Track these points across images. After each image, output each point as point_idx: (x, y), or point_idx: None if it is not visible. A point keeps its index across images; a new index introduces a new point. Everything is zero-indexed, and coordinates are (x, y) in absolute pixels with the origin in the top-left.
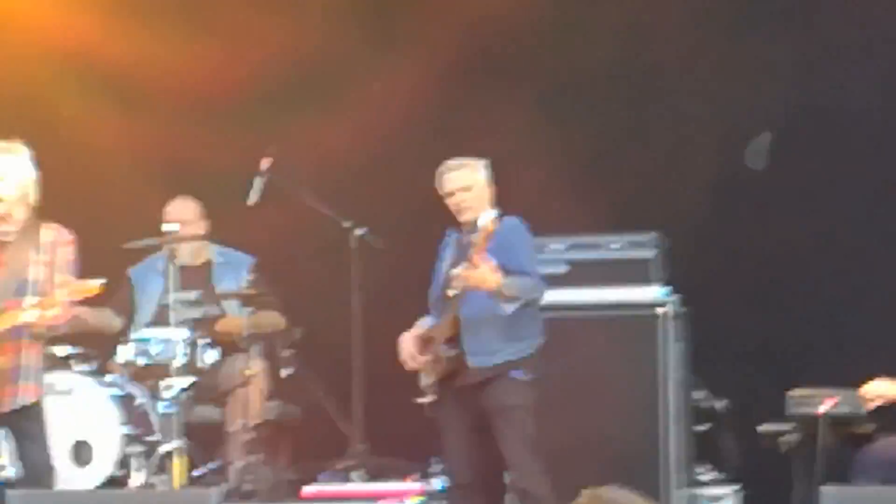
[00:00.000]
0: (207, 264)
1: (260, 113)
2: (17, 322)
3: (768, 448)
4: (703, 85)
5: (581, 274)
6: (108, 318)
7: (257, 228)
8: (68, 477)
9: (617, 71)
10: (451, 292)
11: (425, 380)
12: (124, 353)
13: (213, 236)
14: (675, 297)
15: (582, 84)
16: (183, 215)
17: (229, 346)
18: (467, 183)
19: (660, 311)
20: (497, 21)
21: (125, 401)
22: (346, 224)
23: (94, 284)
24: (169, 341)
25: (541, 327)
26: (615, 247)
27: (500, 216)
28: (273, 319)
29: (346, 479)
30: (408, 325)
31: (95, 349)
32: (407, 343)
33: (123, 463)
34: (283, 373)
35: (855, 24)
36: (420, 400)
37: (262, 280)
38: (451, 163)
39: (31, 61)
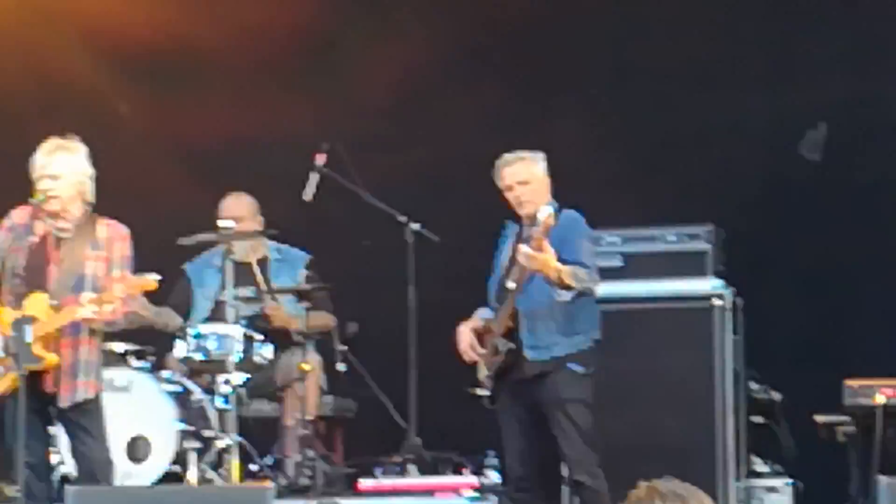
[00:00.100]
0: (264, 260)
1: (313, 106)
2: (74, 318)
3: (824, 439)
4: (760, 76)
5: (637, 267)
6: (167, 316)
7: (313, 224)
8: (125, 472)
9: (673, 64)
10: (509, 285)
11: (482, 372)
12: (181, 349)
13: (269, 232)
14: (730, 290)
15: (638, 77)
16: (238, 211)
17: (285, 340)
18: (525, 177)
19: (715, 303)
20: (555, 15)
21: (182, 397)
22: (402, 218)
23: (151, 279)
24: (225, 337)
25: (598, 321)
26: (671, 239)
27: (560, 209)
28: (323, 321)
29: (402, 473)
30: (462, 320)
31: (152, 346)
32: (465, 334)
33: (180, 458)
34: (339, 367)
35: None
36: (476, 392)
37: (318, 277)
38: (509, 156)
39: (87, 57)
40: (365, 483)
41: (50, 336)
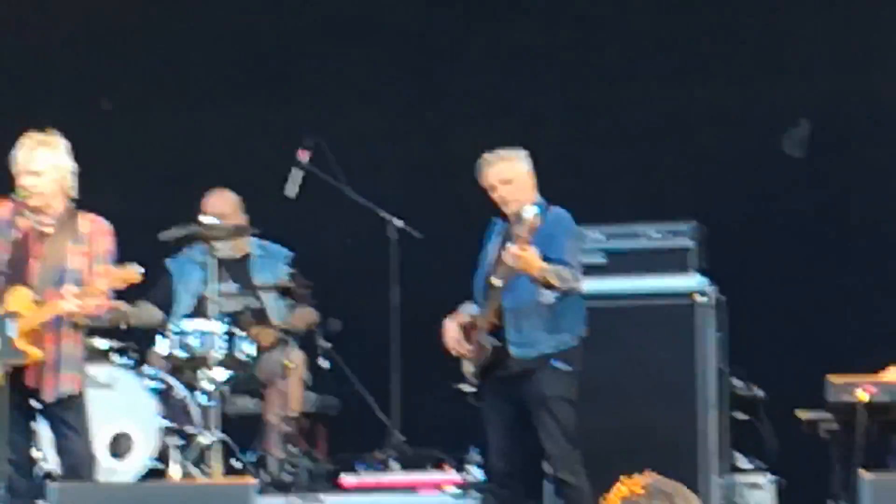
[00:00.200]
0: (246, 257)
1: (297, 103)
2: (58, 312)
3: (807, 436)
4: (743, 73)
5: (619, 263)
6: (148, 312)
7: (296, 220)
8: (108, 469)
9: (656, 60)
10: (494, 281)
11: (467, 367)
12: (164, 345)
13: (252, 229)
14: (713, 286)
15: (622, 73)
16: (221, 208)
17: (268, 344)
18: (508, 175)
19: (698, 299)
20: (539, 10)
21: (164, 393)
22: (385, 215)
23: (135, 271)
24: (208, 334)
25: (584, 319)
26: (654, 236)
27: (547, 206)
28: (307, 317)
29: (385, 469)
30: (446, 316)
31: (135, 342)
32: (451, 329)
33: (163, 455)
34: (322, 364)
35: (890, 8)
36: (461, 387)
37: (300, 273)
38: (490, 156)
39: (67, 48)
40: (348, 479)
41: (33, 331)
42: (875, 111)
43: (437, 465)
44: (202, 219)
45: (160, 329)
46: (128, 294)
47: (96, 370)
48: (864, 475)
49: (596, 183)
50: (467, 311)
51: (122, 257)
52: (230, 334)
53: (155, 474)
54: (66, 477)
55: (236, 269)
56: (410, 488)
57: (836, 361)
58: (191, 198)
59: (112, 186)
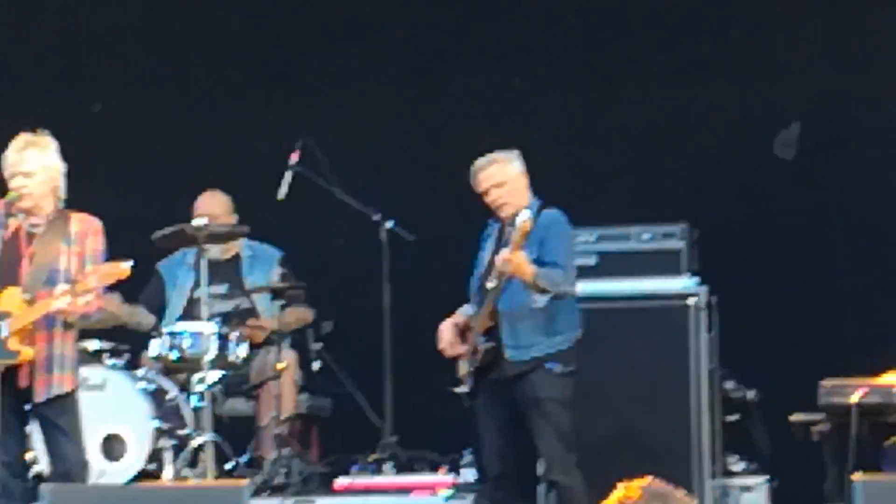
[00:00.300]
0: (237, 258)
1: (295, 103)
2: (49, 310)
3: (799, 438)
4: (734, 74)
5: (611, 265)
6: (140, 315)
7: (287, 222)
8: (100, 471)
9: (648, 61)
10: (488, 284)
11: (462, 369)
12: (156, 347)
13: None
14: (704, 288)
15: (614, 75)
16: (212, 209)
17: (260, 340)
18: (500, 179)
19: (690, 301)
20: (534, 11)
21: (157, 395)
22: (376, 217)
23: (125, 266)
24: (200, 335)
25: (579, 321)
26: (645, 238)
27: (542, 207)
28: (301, 315)
29: (378, 472)
30: (438, 318)
31: (127, 344)
32: (447, 331)
33: (155, 457)
34: (314, 366)
35: (886, 8)
36: (456, 389)
37: (292, 273)
38: (482, 161)
39: (65, 48)
40: (341, 482)
41: (25, 330)
42: (873, 111)
43: (432, 468)
44: (194, 220)
45: (151, 332)
46: (121, 297)
47: (88, 372)
48: (857, 477)
49: (593, 183)
50: (464, 312)
51: (118, 258)
52: (222, 336)
53: (147, 476)
54: (56, 480)
55: (227, 270)
56: (404, 490)
57: (830, 363)
58: (189, 199)
59: (109, 187)
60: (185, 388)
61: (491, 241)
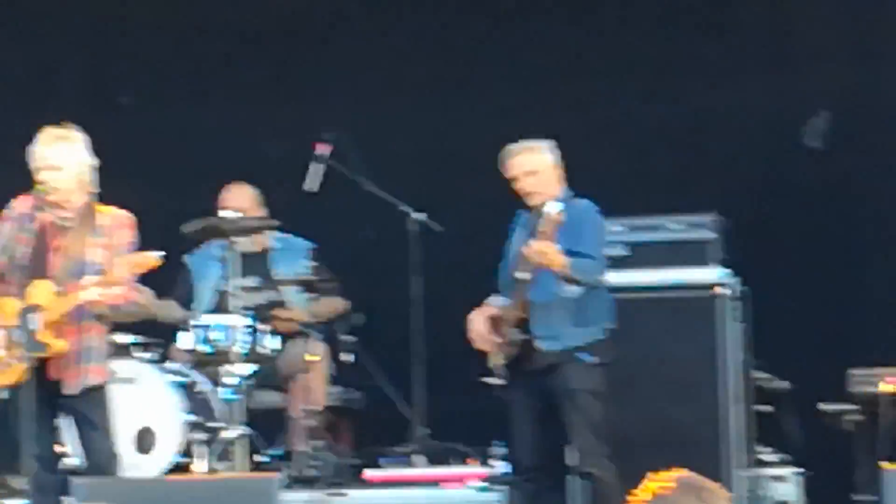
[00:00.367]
0: (266, 251)
1: (317, 95)
2: (80, 301)
3: (830, 428)
4: (761, 64)
5: (640, 255)
6: (171, 309)
7: (316, 215)
8: (132, 464)
9: (677, 53)
10: (519, 275)
11: (495, 360)
12: (186, 340)
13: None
14: (734, 278)
15: (642, 66)
16: (240, 202)
17: (290, 331)
18: (531, 167)
19: (719, 291)
20: (556, 4)
21: (187, 388)
22: (405, 208)
23: (154, 256)
24: (230, 328)
25: (611, 312)
26: (675, 228)
27: (572, 198)
28: (334, 305)
29: (408, 464)
30: (467, 309)
31: (158, 337)
32: (477, 322)
33: (186, 450)
34: (345, 358)
35: None
36: (487, 380)
37: (322, 266)
38: (514, 147)
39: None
40: (372, 474)
41: (56, 323)
42: (894, 101)
43: (462, 460)
44: (221, 213)
45: (183, 325)
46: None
47: (119, 365)
48: (887, 467)
49: (623, 174)
50: (494, 303)
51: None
52: (252, 328)
53: (179, 469)
54: (88, 473)
55: (257, 263)
56: (435, 483)
57: (859, 353)
58: (211, 192)
59: (132, 181)
60: (215, 381)
61: (520, 231)
